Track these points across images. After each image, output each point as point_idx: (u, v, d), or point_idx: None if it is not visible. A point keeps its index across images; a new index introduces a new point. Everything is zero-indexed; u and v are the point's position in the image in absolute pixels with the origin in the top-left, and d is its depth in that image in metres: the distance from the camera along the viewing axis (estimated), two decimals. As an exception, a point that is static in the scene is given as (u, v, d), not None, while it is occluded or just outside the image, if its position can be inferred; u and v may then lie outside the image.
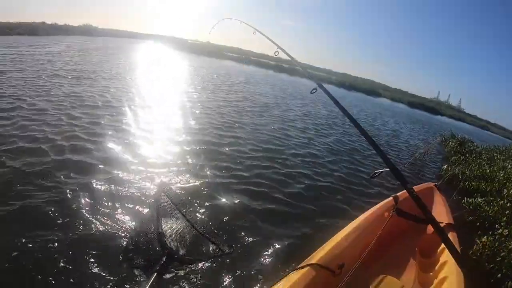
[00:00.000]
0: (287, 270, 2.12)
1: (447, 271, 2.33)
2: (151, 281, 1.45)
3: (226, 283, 2.72)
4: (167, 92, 11.65)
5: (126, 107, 7.96)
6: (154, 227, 2.55)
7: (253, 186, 4.87)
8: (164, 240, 2.33)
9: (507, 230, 4.13)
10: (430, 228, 3.02)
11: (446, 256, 2.50)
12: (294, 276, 2.00)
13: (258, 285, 2.71)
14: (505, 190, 6.19)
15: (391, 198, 3.08)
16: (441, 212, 3.24)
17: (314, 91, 2.62)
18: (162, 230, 2.44)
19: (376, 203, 3.18)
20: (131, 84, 11.49)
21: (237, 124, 8.40)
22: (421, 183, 3.86)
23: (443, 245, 2.60)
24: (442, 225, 2.81)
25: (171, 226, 2.64)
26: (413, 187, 3.44)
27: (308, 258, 2.21)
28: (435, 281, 2.34)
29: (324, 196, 5.16)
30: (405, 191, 3.28)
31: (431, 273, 2.51)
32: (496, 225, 4.64)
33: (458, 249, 2.44)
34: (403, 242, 3.00)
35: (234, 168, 5.37)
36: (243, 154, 6.18)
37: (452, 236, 2.76)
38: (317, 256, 2.19)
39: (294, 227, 3.92)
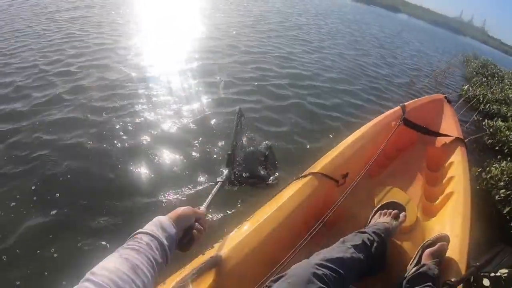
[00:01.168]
0: (289, 181, 2.06)
1: (454, 186, 2.30)
2: (214, 190, 1.44)
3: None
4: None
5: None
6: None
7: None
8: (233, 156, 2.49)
9: None
10: (438, 141, 2.97)
11: (454, 171, 2.47)
12: (296, 185, 1.95)
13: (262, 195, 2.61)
14: None
15: (398, 107, 3.00)
16: (450, 124, 3.12)
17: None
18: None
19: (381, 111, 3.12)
20: None
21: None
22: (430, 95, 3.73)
23: (451, 159, 2.60)
24: (451, 138, 2.83)
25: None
26: (421, 98, 3.48)
27: (311, 167, 2.15)
28: (442, 196, 2.31)
29: (332, 105, 5.09)
30: (413, 100, 3.34)
31: (437, 187, 2.47)
32: None
33: (466, 164, 2.48)
34: (409, 154, 2.92)
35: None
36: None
37: (461, 150, 2.69)
38: (320, 165, 2.13)
39: (295, 137, 3.87)
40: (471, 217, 1.95)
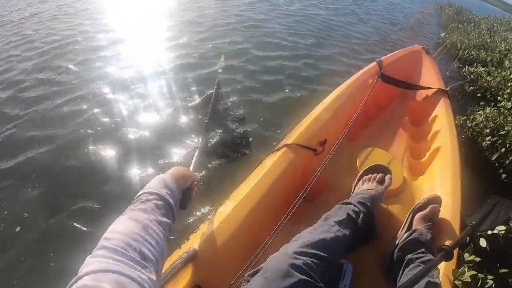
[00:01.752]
0: (261, 157, 1.93)
1: (440, 141, 2.22)
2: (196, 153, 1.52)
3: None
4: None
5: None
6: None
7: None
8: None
9: (510, 103, 3.99)
10: (419, 94, 2.90)
11: (438, 124, 2.39)
12: (270, 160, 1.81)
13: (235, 176, 2.51)
14: (507, 62, 6.02)
15: (374, 63, 2.86)
16: (430, 76, 3.02)
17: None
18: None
19: (358, 70, 2.90)
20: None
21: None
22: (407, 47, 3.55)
23: (435, 112, 2.52)
24: (432, 90, 2.75)
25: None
26: (398, 51, 3.31)
27: (285, 138, 2.01)
28: (428, 152, 2.23)
29: (303, 65, 4.94)
30: (390, 54, 3.18)
31: (423, 143, 2.39)
32: (499, 97, 4.50)
33: (451, 116, 2.41)
34: (390, 110, 2.81)
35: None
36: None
37: (444, 102, 2.60)
38: (295, 134, 1.98)
39: (266, 106, 3.74)
40: (461, 172, 1.86)
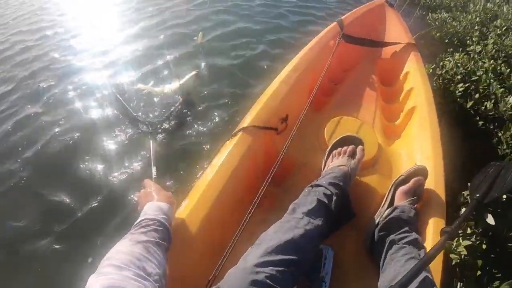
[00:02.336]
0: (217, 146, 1.70)
1: (415, 99, 2.07)
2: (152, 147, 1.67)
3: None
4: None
5: None
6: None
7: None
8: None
9: (479, 47, 3.84)
10: (387, 51, 2.73)
11: (411, 81, 2.24)
12: (227, 148, 1.57)
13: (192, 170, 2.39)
14: (471, 5, 5.83)
15: (334, 23, 2.66)
16: (397, 30, 2.85)
17: None
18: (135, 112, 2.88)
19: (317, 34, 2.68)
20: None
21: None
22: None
23: (406, 69, 2.38)
24: (400, 45, 2.60)
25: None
26: (359, 7, 3.06)
27: (242, 120, 1.76)
28: (403, 113, 2.10)
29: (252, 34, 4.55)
30: (350, 12, 2.93)
31: (396, 104, 2.25)
32: (468, 41, 4.36)
33: (423, 70, 2.28)
34: (358, 72, 2.63)
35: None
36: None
37: (415, 56, 2.45)
38: (252, 115, 1.74)
39: (223, 89, 3.41)
40: (440, 132, 1.72)
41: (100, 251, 1.14)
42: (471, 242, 1.43)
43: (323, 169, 1.62)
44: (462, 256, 1.46)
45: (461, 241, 1.40)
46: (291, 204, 1.33)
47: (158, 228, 0.93)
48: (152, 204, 1.04)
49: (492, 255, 1.50)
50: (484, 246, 1.48)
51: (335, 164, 1.54)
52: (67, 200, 2.28)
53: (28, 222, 2.18)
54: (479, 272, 1.39)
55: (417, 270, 0.95)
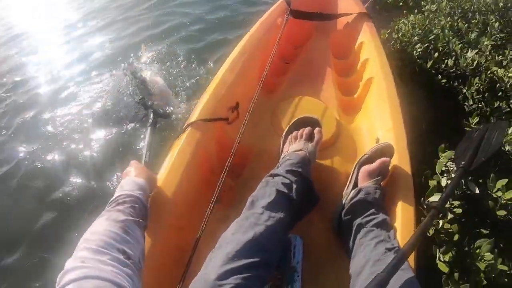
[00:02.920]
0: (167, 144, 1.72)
1: (371, 70, 1.99)
2: (147, 136, 1.56)
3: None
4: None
5: None
6: (132, 94, 2.96)
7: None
8: (147, 102, 2.68)
9: (434, 5, 3.77)
10: (339, 23, 2.62)
11: (366, 52, 2.16)
12: (176, 146, 1.46)
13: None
14: None
15: (281, 0, 2.54)
16: (347, 2, 2.73)
17: None
18: (140, 95, 2.82)
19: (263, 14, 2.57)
20: None
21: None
22: None
23: (359, 40, 2.30)
24: (352, 16, 2.51)
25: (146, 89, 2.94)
26: None
27: (190, 115, 1.65)
28: (360, 85, 2.03)
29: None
30: None
31: (352, 76, 2.20)
32: (422, 2, 4.19)
33: (378, 40, 2.22)
34: (310, 48, 2.55)
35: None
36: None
37: (368, 26, 2.36)
38: (198, 109, 1.62)
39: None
40: (400, 102, 1.65)
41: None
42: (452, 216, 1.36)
43: (281, 155, 1.53)
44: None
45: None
46: (249, 198, 1.23)
47: (135, 205, 0.91)
48: (128, 179, 1.03)
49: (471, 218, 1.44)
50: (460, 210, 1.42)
51: (292, 149, 1.45)
52: (62, 180, 2.44)
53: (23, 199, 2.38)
54: (457, 236, 1.33)
55: (404, 254, 0.89)
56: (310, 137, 1.49)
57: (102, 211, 0.86)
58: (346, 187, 1.42)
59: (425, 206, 1.26)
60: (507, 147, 1.54)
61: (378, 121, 1.64)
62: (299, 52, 2.51)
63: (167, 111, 2.80)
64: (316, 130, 1.50)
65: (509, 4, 3.45)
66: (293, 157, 1.37)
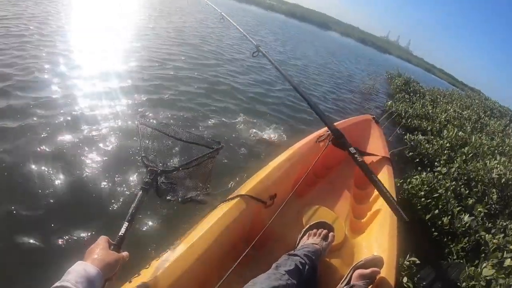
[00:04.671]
0: (215, 204, 1.98)
1: (381, 204, 2.33)
2: (135, 202, 1.41)
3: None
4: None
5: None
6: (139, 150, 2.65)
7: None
8: (146, 159, 2.32)
9: (445, 169, 4.39)
10: (366, 160, 2.90)
11: None
12: (224, 207, 1.88)
13: (188, 219, 2.50)
14: (445, 132, 6.52)
15: (326, 128, 2.93)
16: (377, 144, 3.22)
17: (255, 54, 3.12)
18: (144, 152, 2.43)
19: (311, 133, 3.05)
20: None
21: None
22: (359, 115, 3.77)
23: (378, 178, 2.56)
24: (378, 157, 2.90)
25: (153, 147, 2.61)
26: (350, 118, 3.53)
27: (238, 189, 2.10)
28: (369, 213, 2.38)
29: (265, 122, 5.09)
30: (343, 121, 3.39)
31: (365, 205, 2.53)
32: (436, 163, 4.91)
33: (393, 182, 2.57)
34: (338, 173, 2.98)
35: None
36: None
37: (387, 169, 2.77)
38: (247, 187, 2.07)
39: (226, 159, 3.76)
40: (398, 233, 2.01)
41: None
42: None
43: (298, 243, 1.93)
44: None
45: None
46: (274, 264, 1.59)
47: None
48: (79, 266, 0.90)
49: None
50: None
51: (310, 241, 1.85)
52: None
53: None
54: None
55: None
56: (325, 238, 1.89)
57: None
58: (340, 283, 1.71)
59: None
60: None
61: (376, 244, 1.96)
62: (329, 172, 2.92)
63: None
64: (331, 234, 1.92)
65: (510, 182, 3.93)
66: (310, 247, 1.77)
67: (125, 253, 1.12)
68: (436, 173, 4.09)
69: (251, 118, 5.08)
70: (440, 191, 3.52)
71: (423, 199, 3.46)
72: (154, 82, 5.50)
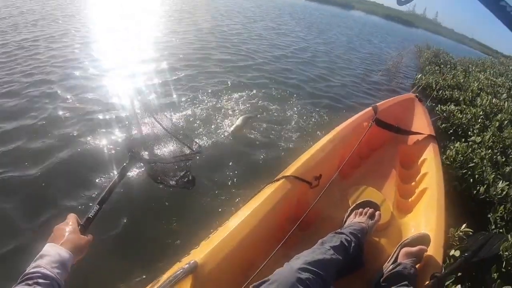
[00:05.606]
0: (262, 185, 1.96)
1: (427, 182, 2.24)
2: (112, 182, 1.36)
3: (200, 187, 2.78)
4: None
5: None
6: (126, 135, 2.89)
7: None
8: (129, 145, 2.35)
9: (479, 138, 4.14)
10: (410, 139, 2.91)
11: (427, 167, 2.41)
12: (270, 189, 1.86)
13: (235, 200, 2.61)
14: (478, 100, 6.19)
15: (370, 108, 2.91)
16: (421, 122, 3.06)
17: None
18: (131, 136, 2.50)
19: (354, 114, 2.95)
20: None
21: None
22: (401, 94, 3.60)
23: (424, 156, 2.55)
24: (423, 136, 2.76)
25: (140, 132, 2.59)
26: (392, 98, 3.39)
27: (284, 170, 2.07)
28: (416, 192, 2.26)
29: (303, 107, 5.03)
30: (385, 101, 3.24)
31: (411, 184, 2.42)
32: (469, 133, 4.65)
33: (439, 160, 2.43)
34: (382, 153, 2.86)
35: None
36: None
37: (433, 147, 2.63)
38: (293, 168, 2.04)
39: (269, 141, 3.79)
40: (445, 211, 1.90)
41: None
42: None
43: (344, 222, 1.86)
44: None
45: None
46: (319, 240, 1.55)
47: None
48: (53, 249, 0.87)
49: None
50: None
51: (356, 220, 1.79)
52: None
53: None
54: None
55: None
56: (371, 216, 1.81)
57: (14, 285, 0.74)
58: (387, 261, 1.65)
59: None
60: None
61: (424, 223, 1.86)
62: (373, 153, 2.81)
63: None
64: (377, 213, 1.83)
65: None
66: (357, 226, 1.70)
67: (90, 236, 1.05)
68: (470, 143, 3.89)
69: (296, 104, 5.06)
70: (475, 160, 3.36)
71: (458, 170, 3.31)
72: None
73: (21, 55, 5.45)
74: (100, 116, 3.79)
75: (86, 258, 1.00)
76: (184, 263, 1.34)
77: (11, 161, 2.86)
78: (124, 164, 1.55)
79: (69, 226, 0.99)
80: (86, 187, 2.66)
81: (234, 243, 1.49)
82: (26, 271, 0.77)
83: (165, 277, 1.30)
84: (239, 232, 1.54)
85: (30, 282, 0.74)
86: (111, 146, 3.23)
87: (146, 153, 2.04)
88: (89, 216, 1.13)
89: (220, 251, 1.43)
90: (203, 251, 1.41)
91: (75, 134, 3.35)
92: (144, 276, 2.00)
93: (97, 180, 2.76)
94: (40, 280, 0.75)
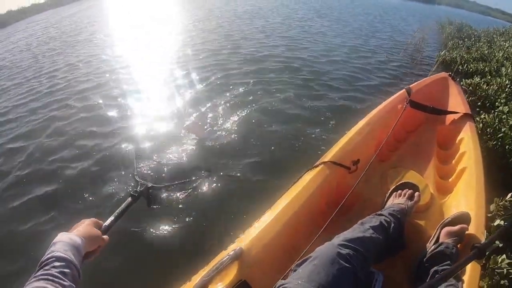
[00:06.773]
0: (301, 172, 1.93)
1: (466, 162, 2.10)
2: (123, 205, 1.47)
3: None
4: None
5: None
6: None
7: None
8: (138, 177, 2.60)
9: (507, 107, 3.84)
10: (447, 119, 2.72)
11: (464, 147, 2.26)
12: (309, 175, 1.83)
13: (275, 187, 2.56)
14: (503, 69, 5.76)
15: (403, 90, 2.75)
16: (457, 101, 2.84)
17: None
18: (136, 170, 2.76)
19: (388, 97, 2.82)
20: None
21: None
22: (435, 74, 3.35)
23: (461, 136, 2.39)
24: (459, 115, 2.58)
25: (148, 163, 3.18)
26: (426, 78, 3.19)
27: (322, 157, 2.02)
28: (455, 173, 2.13)
29: (334, 93, 4.98)
30: (418, 82, 3.04)
31: (450, 165, 2.28)
32: (496, 103, 4.35)
33: (477, 139, 2.28)
34: (419, 135, 2.70)
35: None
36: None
37: (470, 126, 2.46)
38: (330, 154, 1.98)
39: (304, 129, 3.77)
40: (485, 190, 1.78)
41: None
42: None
43: (384, 205, 1.78)
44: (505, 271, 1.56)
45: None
46: (359, 221, 1.51)
47: (66, 270, 0.75)
48: (64, 235, 0.86)
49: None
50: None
51: (396, 202, 1.71)
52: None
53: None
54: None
55: (441, 279, 0.92)
56: (411, 198, 1.73)
57: (31, 277, 0.71)
58: (429, 242, 1.58)
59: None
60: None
61: (464, 203, 1.75)
62: (409, 136, 2.65)
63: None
64: (416, 194, 1.75)
65: None
66: (396, 207, 1.63)
67: (105, 237, 1.04)
68: (497, 113, 3.60)
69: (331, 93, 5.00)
70: (504, 129, 3.15)
71: (488, 142, 3.15)
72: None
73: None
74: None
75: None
76: (230, 250, 1.37)
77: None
78: (137, 189, 1.68)
79: (83, 222, 1.00)
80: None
81: (277, 228, 1.50)
82: (42, 259, 0.76)
83: (212, 264, 1.34)
84: (281, 218, 1.54)
85: (46, 267, 0.73)
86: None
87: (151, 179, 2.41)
88: (105, 225, 1.15)
89: (264, 237, 1.44)
90: (247, 238, 1.43)
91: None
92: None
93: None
94: (56, 263, 0.74)
